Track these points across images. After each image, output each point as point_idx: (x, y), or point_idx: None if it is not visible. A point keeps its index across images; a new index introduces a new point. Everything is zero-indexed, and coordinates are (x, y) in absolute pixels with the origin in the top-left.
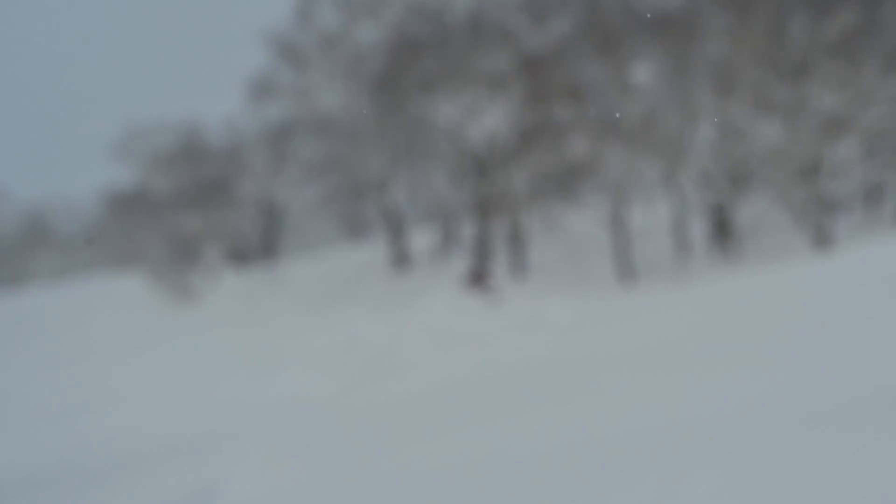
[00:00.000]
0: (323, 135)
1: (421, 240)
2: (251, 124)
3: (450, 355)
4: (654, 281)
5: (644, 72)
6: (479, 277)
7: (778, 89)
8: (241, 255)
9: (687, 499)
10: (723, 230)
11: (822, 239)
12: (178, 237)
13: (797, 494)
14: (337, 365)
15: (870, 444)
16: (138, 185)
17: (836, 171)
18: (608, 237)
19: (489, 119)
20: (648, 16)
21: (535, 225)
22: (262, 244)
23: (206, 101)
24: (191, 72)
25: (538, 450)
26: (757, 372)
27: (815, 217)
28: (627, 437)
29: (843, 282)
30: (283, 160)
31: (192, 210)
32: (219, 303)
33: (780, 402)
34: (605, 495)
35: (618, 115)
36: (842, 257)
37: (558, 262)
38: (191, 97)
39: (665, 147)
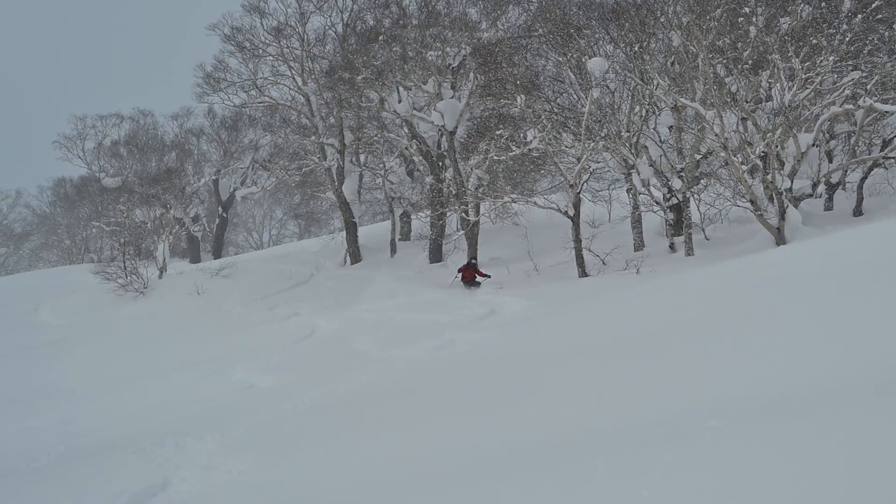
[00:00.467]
0: (274, 125)
1: (375, 232)
2: (202, 115)
3: (405, 349)
4: (613, 273)
5: (600, 64)
6: (468, 271)
7: (735, 82)
8: (191, 247)
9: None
10: (679, 223)
11: (780, 232)
12: (127, 229)
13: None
14: (290, 358)
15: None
16: (86, 177)
17: (794, 165)
18: (566, 230)
19: (444, 110)
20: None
21: (492, 218)
22: (212, 236)
23: (157, 93)
24: (141, 63)
25: (495, 442)
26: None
27: (773, 210)
28: (569, 430)
29: (796, 272)
30: (235, 151)
31: (142, 201)
32: (168, 295)
33: (742, 393)
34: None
35: (574, 107)
36: (798, 249)
37: (516, 255)
38: (141, 89)
39: (622, 140)
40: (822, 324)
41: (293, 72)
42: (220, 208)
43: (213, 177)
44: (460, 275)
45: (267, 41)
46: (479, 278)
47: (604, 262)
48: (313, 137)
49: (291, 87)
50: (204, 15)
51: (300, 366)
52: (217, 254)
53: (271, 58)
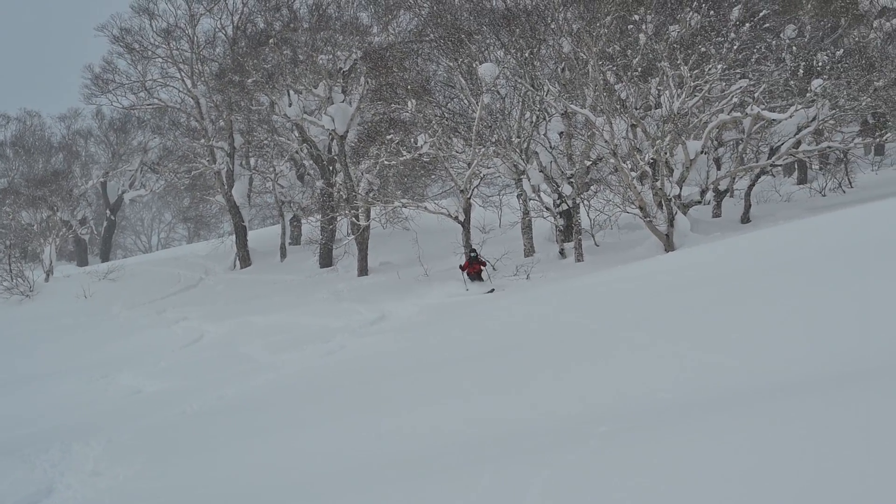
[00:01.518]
0: (163, 128)
1: (265, 236)
2: (90, 117)
3: (294, 353)
4: (503, 278)
5: (491, 69)
6: (473, 265)
7: (625, 89)
8: (79, 250)
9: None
10: (569, 229)
11: (669, 238)
12: (13, 231)
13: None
14: (178, 363)
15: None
16: None
17: (683, 172)
18: (457, 235)
19: (335, 114)
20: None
21: (383, 223)
22: (100, 239)
23: (44, 93)
24: (28, 63)
25: (381, 449)
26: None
27: (662, 217)
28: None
29: (683, 279)
30: (123, 153)
31: (28, 203)
32: (54, 299)
33: (633, 399)
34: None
35: (465, 112)
36: (687, 254)
37: (407, 260)
38: (27, 89)
39: (512, 145)
40: (707, 331)
41: (183, 74)
42: (108, 211)
43: (101, 179)
44: (465, 273)
45: (156, 43)
46: (483, 273)
47: (494, 268)
48: (203, 140)
49: (181, 89)
50: (92, 15)
51: (188, 370)
52: (105, 257)
53: (161, 60)
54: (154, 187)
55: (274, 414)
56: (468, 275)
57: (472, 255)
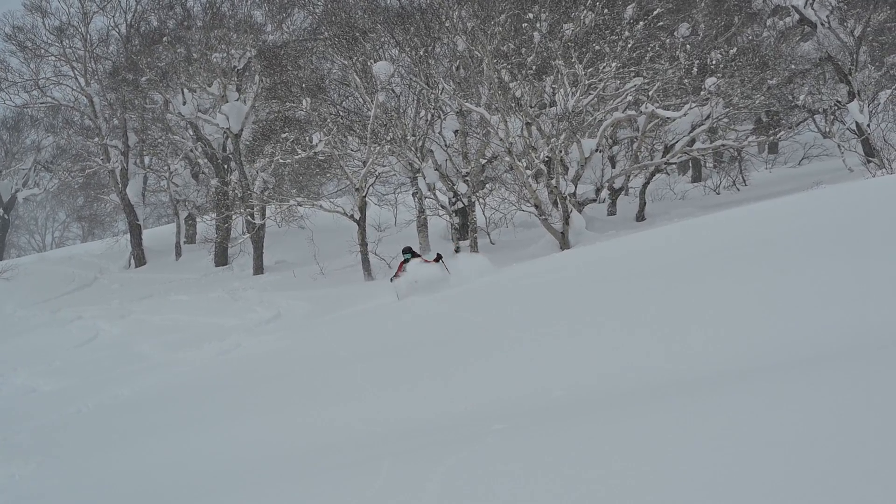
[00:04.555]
0: (57, 126)
1: (160, 235)
2: None
3: (189, 352)
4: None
5: (386, 67)
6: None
7: (519, 87)
8: None
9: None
10: (465, 227)
11: (564, 237)
12: None
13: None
14: (73, 362)
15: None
16: None
17: (578, 170)
18: (352, 234)
19: (229, 112)
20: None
21: (278, 221)
22: None
23: None
24: None
25: (274, 446)
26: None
27: (557, 215)
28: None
29: (576, 277)
30: (16, 152)
31: None
32: None
33: (525, 398)
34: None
35: (360, 110)
36: (578, 254)
37: (302, 258)
38: None
39: (407, 143)
40: (597, 329)
41: (76, 72)
42: (1, 210)
43: None
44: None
45: (49, 41)
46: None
47: (389, 266)
48: (97, 139)
49: (74, 87)
50: None
51: (83, 369)
52: None
53: (54, 58)
54: (48, 186)
55: (170, 412)
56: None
57: (407, 256)
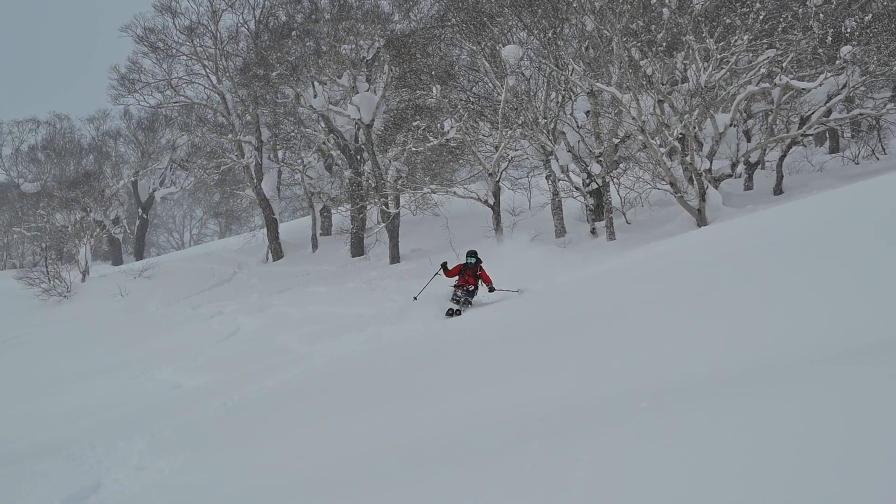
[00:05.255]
0: (191, 125)
1: (296, 228)
2: (118, 117)
3: (329, 343)
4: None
5: (515, 51)
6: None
7: (650, 65)
8: (113, 250)
9: None
10: (600, 208)
11: (701, 213)
12: (48, 233)
13: None
14: (215, 357)
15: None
16: (5, 183)
17: (713, 145)
18: (487, 219)
19: (360, 103)
20: None
21: (412, 209)
22: (133, 238)
23: (72, 96)
24: (55, 67)
25: (420, 434)
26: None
27: (693, 192)
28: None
29: (719, 253)
30: (153, 152)
31: (61, 205)
32: (92, 299)
33: (672, 376)
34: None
35: (490, 95)
36: (719, 230)
37: (438, 246)
38: (56, 92)
39: (539, 126)
40: (746, 305)
41: (207, 70)
42: (139, 209)
43: (132, 178)
44: (453, 286)
45: (180, 41)
46: (485, 288)
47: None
48: (230, 135)
49: (206, 85)
50: (116, 16)
51: (226, 364)
52: (139, 255)
53: (185, 57)
54: (184, 184)
55: (315, 403)
56: (456, 289)
57: (471, 260)
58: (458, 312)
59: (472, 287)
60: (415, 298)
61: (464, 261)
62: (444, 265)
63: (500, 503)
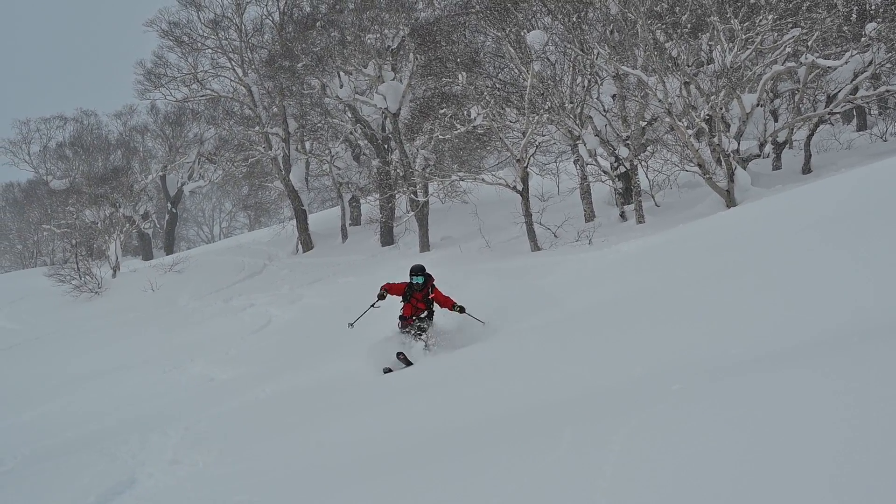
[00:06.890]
0: (218, 118)
1: (325, 219)
2: (145, 112)
3: (367, 335)
4: (566, 245)
5: (539, 36)
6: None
7: (675, 47)
8: (143, 245)
9: None
10: (629, 191)
11: (730, 194)
12: (78, 230)
13: None
14: (247, 350)
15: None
16: (34, 180)
17: (740, 126)
18: (516, 205)
19: (386, 92)
20: None
21: (441, 197)
22: (163, 232)
23: (98, 92)
24: (81, 63)
25: (459, 416)
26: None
27: (721, 173)
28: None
29: (747, 234)
30: (180, 146)
31: (91, 201)
32: (123, 294)
33: (703, 358)
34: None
35: (516, 81)
36: (746, 210)
37: (467, 233)
38: (82, 89)
39: (566, 111)
40: (777, 287)
41: (233, 63)
42: (168, 204)
43: (160, 173)
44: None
45: (205, 34)
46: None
47: (556, 235)
48: (257, 128)
49: (232, 78)
50: (140, 11)
51: (258, 356)
52: (169, 249)
53: (210, 51)
54: (212, 177)
55: (351, 393)
56: (402, 320)
57: (418, 279)
58: (408, 362)
59: (424, 313)
60: (350, 325)
61: (409, 280)
62: (382, 291)
63: (531, 486)
